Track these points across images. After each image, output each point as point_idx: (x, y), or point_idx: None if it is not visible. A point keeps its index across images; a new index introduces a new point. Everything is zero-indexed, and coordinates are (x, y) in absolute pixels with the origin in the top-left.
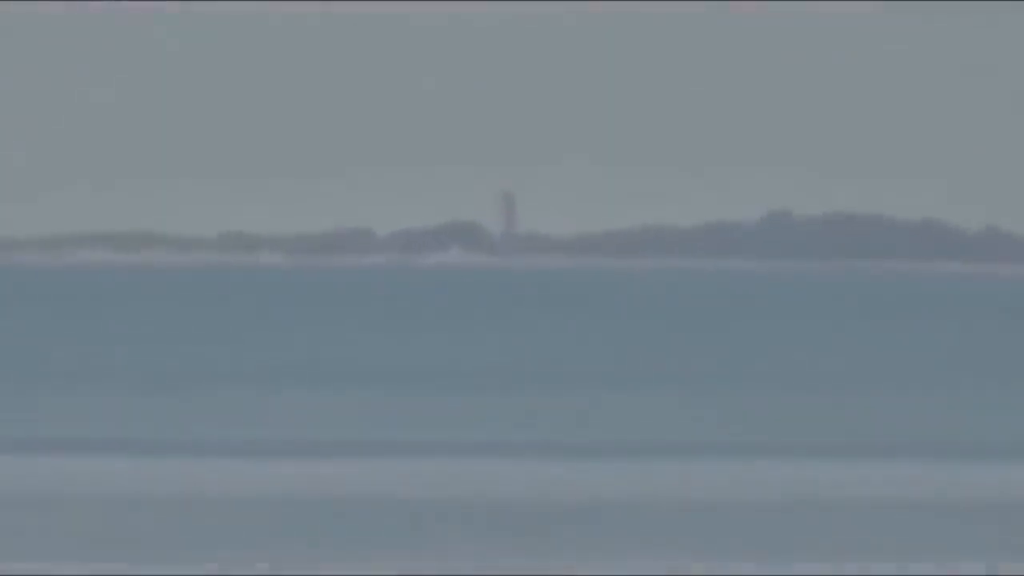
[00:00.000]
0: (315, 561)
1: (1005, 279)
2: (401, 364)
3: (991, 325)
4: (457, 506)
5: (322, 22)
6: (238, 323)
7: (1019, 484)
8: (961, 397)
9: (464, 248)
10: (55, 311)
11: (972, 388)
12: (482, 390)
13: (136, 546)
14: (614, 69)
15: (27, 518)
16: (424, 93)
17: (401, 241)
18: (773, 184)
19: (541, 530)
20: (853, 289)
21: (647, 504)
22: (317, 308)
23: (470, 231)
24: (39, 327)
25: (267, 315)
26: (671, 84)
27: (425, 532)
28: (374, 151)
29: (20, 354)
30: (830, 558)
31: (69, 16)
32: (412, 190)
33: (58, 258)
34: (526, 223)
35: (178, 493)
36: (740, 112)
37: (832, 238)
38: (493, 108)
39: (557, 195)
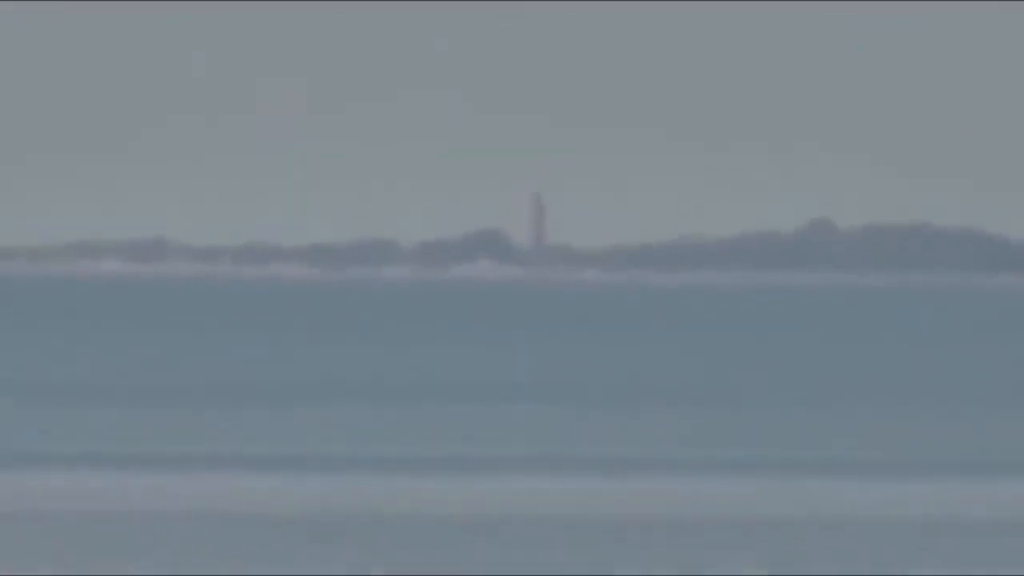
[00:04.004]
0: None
1: None
2: (422, 380)
3: None
4: (475, 521)
5: (338, 21)
6: (251, 338)
7: None
8: (1003, 413)
9: (491, 259)
10: (63, 324)
11: (1016, 404)
12: (506, 404)
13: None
14: (647, 71)
15: (36, 532)
16: (447, 96)
17: (426, 252)
18: (814, 191)
19: (577, 544)
20: (895, 302)
21: (684, 521)
22: (336, 322)
23: (497, 241)
24: (46, 341)
25: (285, 330)
26: (705, 88)
27: (449, 548)
28: (394, 156)
29: (24, 369)
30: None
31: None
32: (437, 196)
33: (66, 267)
34: (557, 232)
35: (187, 508)
36: (778, 117)
37: (874, 248)
38: (521, 110)
39: (589, 201)
